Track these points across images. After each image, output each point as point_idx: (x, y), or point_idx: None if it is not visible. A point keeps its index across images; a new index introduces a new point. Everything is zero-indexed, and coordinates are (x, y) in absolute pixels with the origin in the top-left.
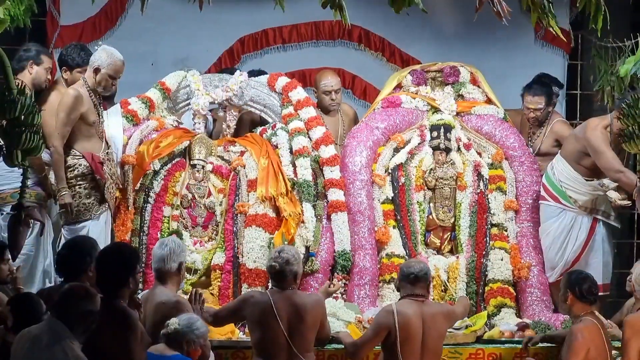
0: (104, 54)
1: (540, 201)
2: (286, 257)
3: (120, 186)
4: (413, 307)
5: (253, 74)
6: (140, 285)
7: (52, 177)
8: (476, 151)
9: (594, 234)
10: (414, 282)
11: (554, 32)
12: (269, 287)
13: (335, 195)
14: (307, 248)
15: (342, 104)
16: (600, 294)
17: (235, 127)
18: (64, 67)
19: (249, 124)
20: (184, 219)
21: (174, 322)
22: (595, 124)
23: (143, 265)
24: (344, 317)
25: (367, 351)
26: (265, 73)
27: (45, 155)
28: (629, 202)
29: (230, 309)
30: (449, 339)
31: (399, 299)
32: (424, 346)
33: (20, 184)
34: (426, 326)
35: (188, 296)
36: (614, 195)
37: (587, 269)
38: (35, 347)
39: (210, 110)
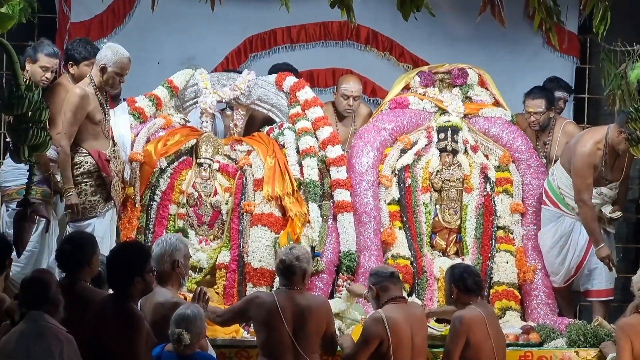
0: (109, 52)
1: (542, 205)
2: (297, 254)
3: (127, 184)
4: (400, 311)
5: (280, 68)
6: None
7: (58, 174)
8: (483, 153)
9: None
10: (396, 281)
11: (552, 40)
12: (274, 287)
13: (342, 195)
14: (313, 248)
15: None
16: (603, 299)
17: (243, 126)
18: (71, 62)
19: (260, 122)
20: (189, 217)
21: (183, 336)
22: (587, 139)
23: None
24: (350, 316)
25: None
26: (295, 70)
27: (51, 152)
28: (620, 213)
29: (235, 310)
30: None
31: (382, 304)
32: (413, 349)
33: (26, 181)
34: (414, 329)
35: (193, 294)
36: (607, 209)
37: (591, 274)
38: (26, 343)
39: (222, 110)
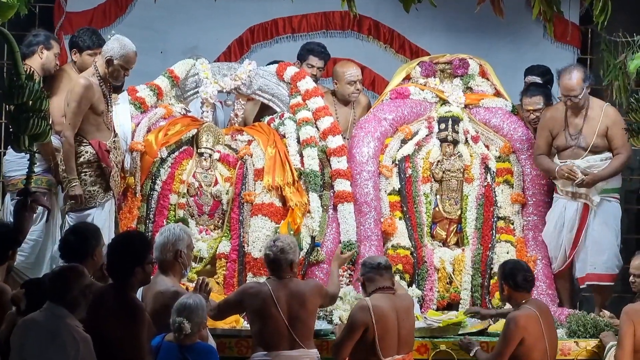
0: (117, 45)
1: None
2: (281, 246)
3: (127, 174)
4: (387, 300)
5: (313, 49)
6: None
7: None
8: (484, 144)
9: (587, 222)
10: (382, 272)
11: (549, 31)
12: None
13: (342, 185)
14: (313, 238)
15: None
16: (595, 282)
17: (243, 115)
18: (74, 50)
19: (273, 110)
20: (190, 207)
21: (184, 325)
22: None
23: None
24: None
25: (347, 350)
26: (327, 54)
27: (55, 141)
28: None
29: (229, 302)
30: (424, 332)
31: (370, 294)
32: (399, 338)
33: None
34: (400, 319)
35: (194, 284)
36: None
37: (587, 259)
38: (41, 337)
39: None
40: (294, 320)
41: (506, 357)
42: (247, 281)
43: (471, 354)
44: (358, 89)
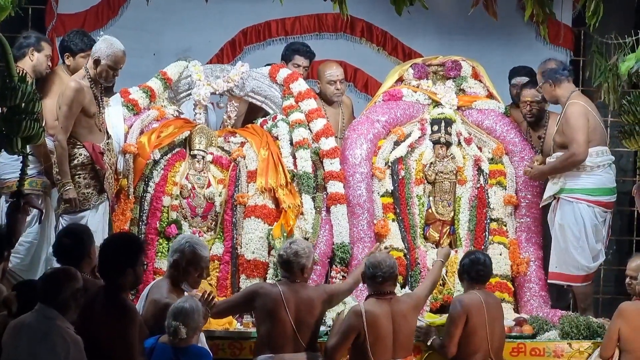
0: (103, 45)
1: None
2: (295, 249)
3: (120, 176)
4: (382, 306)
5: (298, 49)
6: None
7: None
8: (477, 146)
9: (553, 221)
10: (381, 282)
11: (542, 32)
12: (267, 279)
13: (335, 187)
14: (306, 240)
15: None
16: (555, 282)
17: (236, 117)
18: (67, 54)
19: (264, 112)
20: (183, 209)
21: (180, 329)
22: None
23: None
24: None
25: (340, 354)
26: (312, 53)
27: (49, 143)
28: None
29: (237, 301)
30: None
31: (367, 297)
32: (395, 343)
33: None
34: (396, 324)
35: (201, 295)
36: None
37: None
38: (32, 339)
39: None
40: (301, 324)
41: (456, 338)
42: (241, 283)
43: (428, 343)
44: (338, 89)
